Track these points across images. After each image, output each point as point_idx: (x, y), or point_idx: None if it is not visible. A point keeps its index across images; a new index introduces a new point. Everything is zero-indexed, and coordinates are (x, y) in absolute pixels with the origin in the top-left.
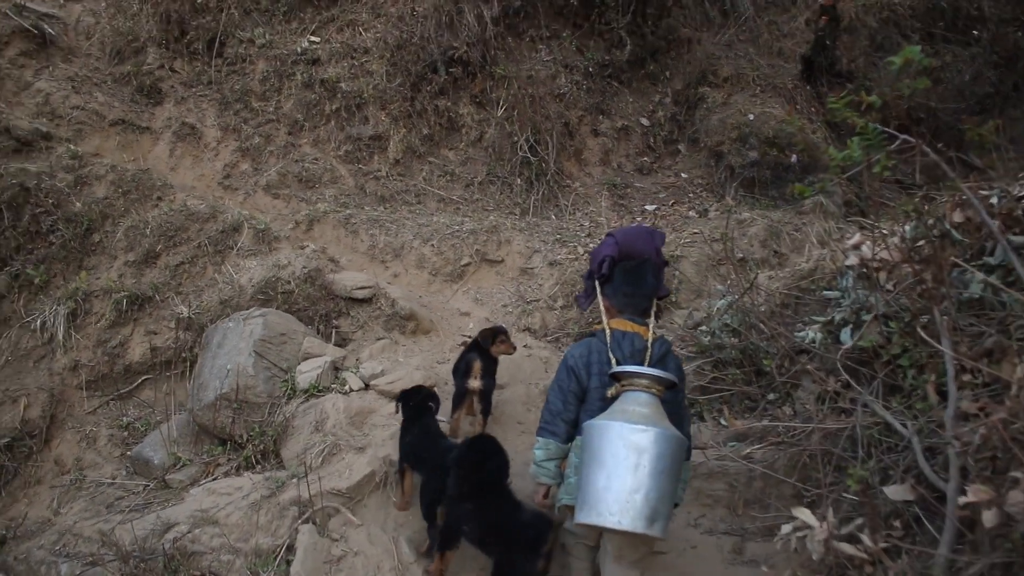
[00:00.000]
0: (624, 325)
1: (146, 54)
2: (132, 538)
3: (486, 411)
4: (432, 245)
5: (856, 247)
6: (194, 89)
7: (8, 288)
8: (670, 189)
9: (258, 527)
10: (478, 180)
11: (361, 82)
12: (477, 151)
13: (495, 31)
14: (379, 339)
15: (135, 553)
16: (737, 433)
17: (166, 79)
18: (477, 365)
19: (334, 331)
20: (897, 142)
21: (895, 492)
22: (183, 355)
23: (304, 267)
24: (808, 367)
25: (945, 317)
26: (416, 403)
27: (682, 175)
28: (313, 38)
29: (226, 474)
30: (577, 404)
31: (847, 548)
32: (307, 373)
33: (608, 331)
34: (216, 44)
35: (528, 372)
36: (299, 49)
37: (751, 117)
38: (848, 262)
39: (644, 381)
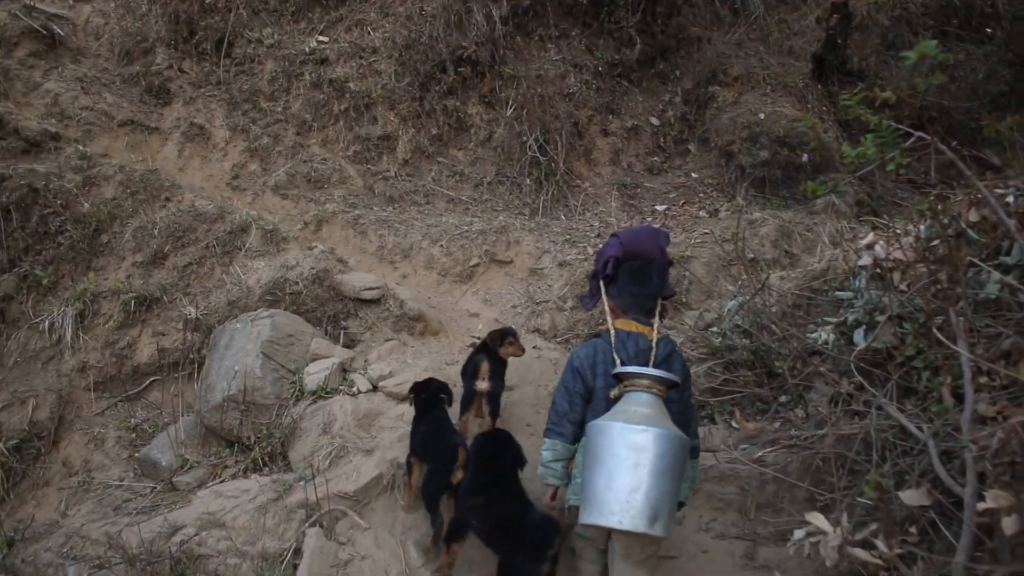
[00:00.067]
0: (629, 325)
1: (155, 54)
2: (139, 541)
3: (495, 413)
4: (441, 246)
5: (869, 247)
6: (203, 89)
7: (16, 289)
8: (680, 189)
9: (265, 530)
10: (487, 180)
11: (370, 82)
12: (486, 151)
13: (504, 30)
14: (387, 340)
15: (142, 556)
16: (749, 436)
17: (175, 79)
18: (485, 367)
19: (342, 332)
20: (912, 139)
21: (911, 497)
22: (191, 356)
23: (312, 268)
24: (821, 369)
25: (961, 318)
26: (428, 395)
27: (692, 175)
28: (321, 38)
29: (233, 476)
30: (583, 405)
31: (861, 554)
32: (315, 374)
33: (613, 331)
34: (225, 44)
35: (537, 374)
36: (307, 49)
37: (762, 116)
38: (861, 262)
39: (645, 381)
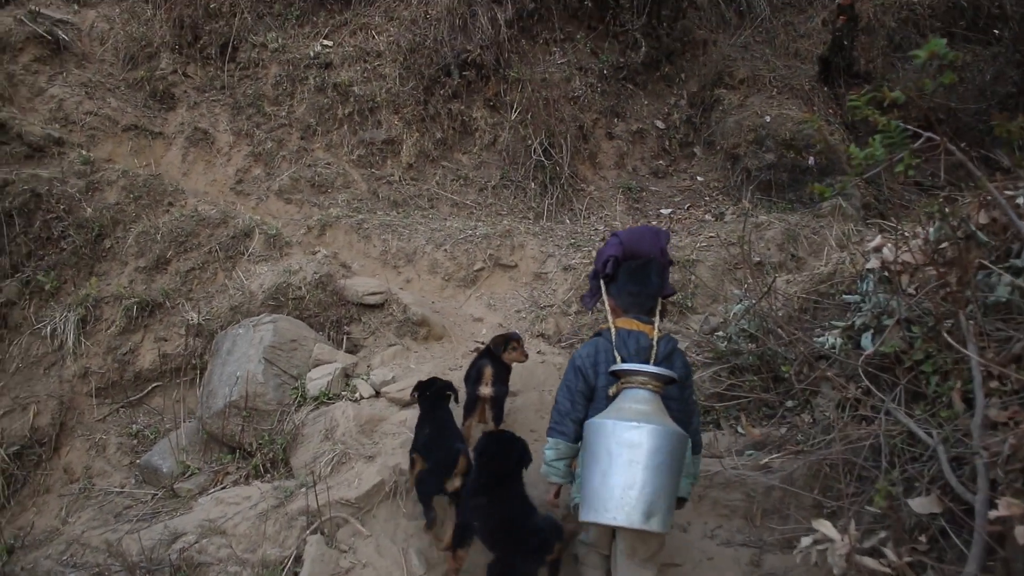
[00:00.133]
0: (629, 324)
1: (159, 59)
2: (139, 548)
3: (498, 418)
4: (445, 250)
5: (877, 249)
6: (207, 94)
7: (19, 295)
8: (686, 192)
9: (266, 537)
10: (492, 184)
11: (374, 86)
12: (491, 155)
13: (509, 34)
14: (391, 345)
15: (142, 564)
16: (755, 441)
17: (179, 84)
18: (489, 371)
19: (345, 337)
20: (921, 140)
21: (920, 505)
22: (193, 362)
23: (315, 272)
24: (828, 373)
25: (971, 321)
26: (432, 393)
27: (698, 178)
28: (326, 42)
29: (235, 483)
30: (585, 403)
31: (870, 563)
32: (317, 380)
33: (613, 330)
34: (229, 49)
35: (541, 378)
36: (312, 53)
37: (768, 119)
38: (869, 265)
39: (641, 378)
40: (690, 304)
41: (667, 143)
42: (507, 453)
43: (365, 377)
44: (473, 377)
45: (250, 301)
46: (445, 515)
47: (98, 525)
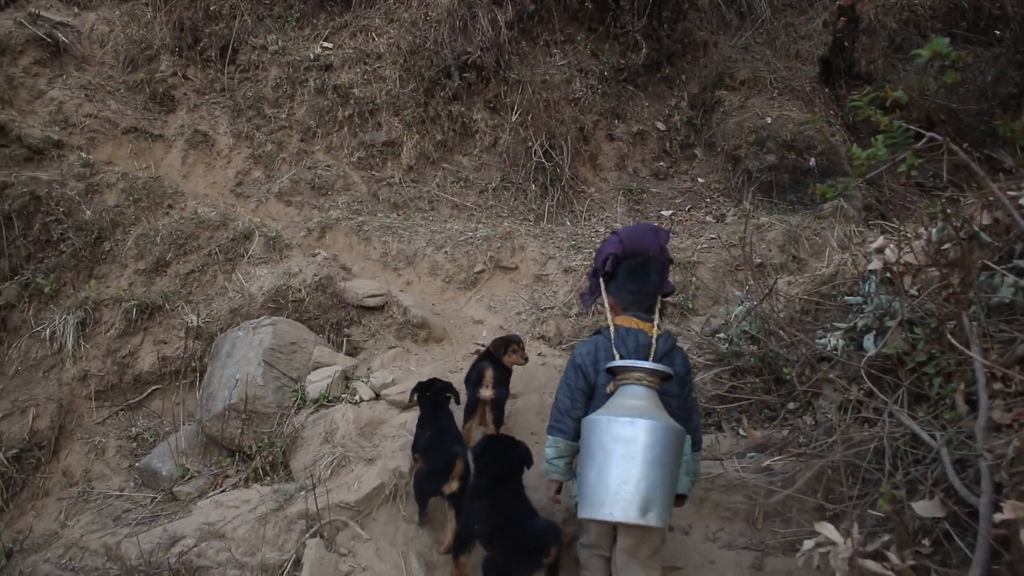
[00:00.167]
0: (629, 322)
1: (159, 62)
2: (138, 552)
3: (498, 421)
4: (445, 252)
5: (879, 250)
6: (207, 96)
7: (18, 297)
8: (687, 194)
9: (265, 541)
10: (492, 186)
11: (374, 88)
12: (491, 157)
13: (509, 36)
14: (391, 348)
15: (140, 567)
16: (756, 444)
17: (179, 86)
18: (489, 374)
19: (345, 340)
20: (924, 140)
21: (924, 508)
22: (193, 365)
23: (315, 275)
24: (830, 375)
25: (974, 322)
26: (432, 395)
27: (699, 180)
28: (326, 44)
29: (234, 486)
30: (585, 401)
31: (873, 566)
32: (317, 383)
33: (612, 328)
34: (229, 51)
35: (542, 381)
36: (312, 55)
37: (768, 120)
38: (871, 266)
39: (636, 374)
40: (691, 306)
41: (668, 145)
42: (507, 456)
43: (365, 379)
44: (474, 379)
45: (250, 303)
46: (446, 518)
47: (97, 529)
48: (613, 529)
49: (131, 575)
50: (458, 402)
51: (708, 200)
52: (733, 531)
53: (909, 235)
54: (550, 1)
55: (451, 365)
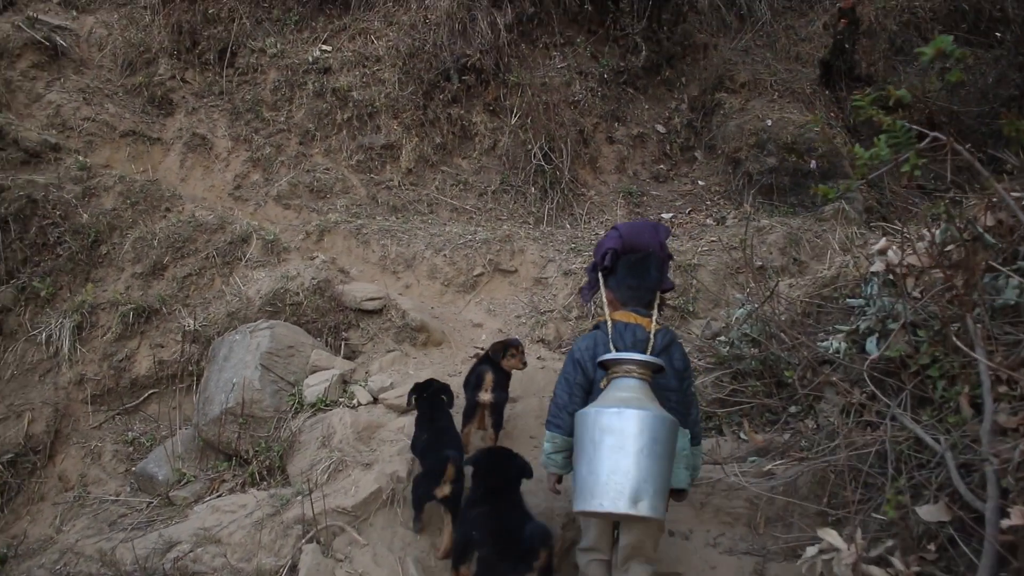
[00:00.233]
0: (627, 317)
1: (158, 65)
2: (133, 558)
3: (497, 425)
4: (444, 255)
5: (882, 252)
6: (205, 99)
7: (14, 301)
8: (687, 197)
9: (261, 546)
10: (491, 189)
11: (373, 91)
12: (490, 160)
13: (508, 38)
14: (389, 351)
15: (135, 573)
16: (757, 448)
17: (177, 90)
18: (489, 377)
19: (343, 343)
20: (927, 139)
21: (929, 512)
22: (190, 369)
23: (313, 278)
24: (832, 378)
25: (978, 325)
26: (428, 395)
27: (699, 182)
28: (325, 47)
29: (231, 491)
30: (583, 396)
31: (877, 572)
32: (314, 387)
33: (610, 323)
34: (228, 54)
35: (541, 384)
36: (311, 58)
37: (769, 123)
38: (873, 268)
39: (626, 366)
40: (692, 309)
41: (668, 147)
42: (504, 469)
43: (363, 383)
44: (473, 383)
45: (247, 307)
46: (442, 522)
47: (92, 534)
48: (612, 530)
49: None
50: (451, 404)
51: (708, 203)
52: (734, 536)
53: (912, 236)
54: (549, 3)
55: (450, 369)
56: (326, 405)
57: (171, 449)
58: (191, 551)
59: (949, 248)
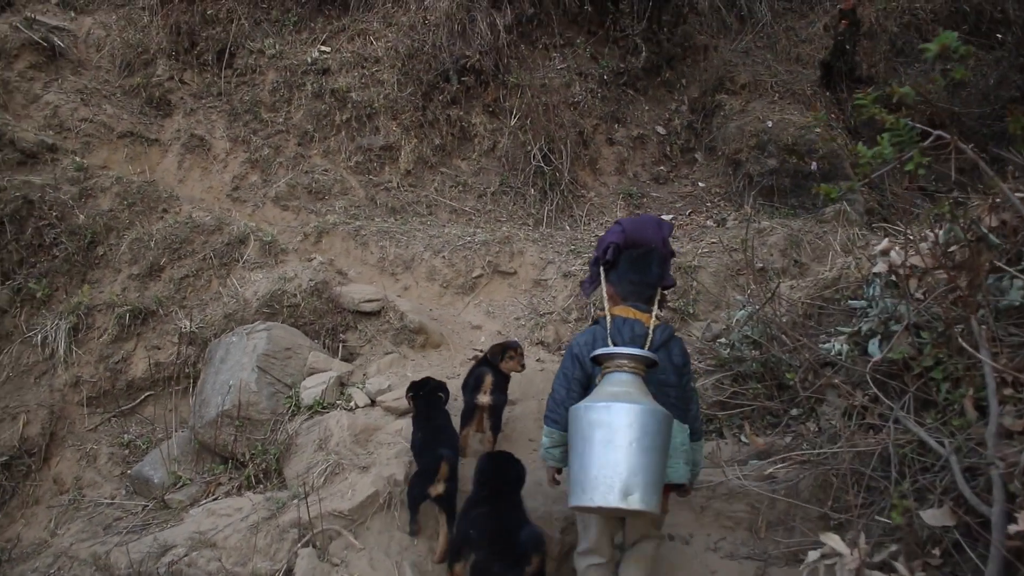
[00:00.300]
0: (627, 312)
1: (156, 66)
2: (127, 562)
3: (496, 427)
4: (443, 257)
5: (884, 253)
6: (204, 100)
7: (10, 302)
8: (687, 198)
9: (256, 550)
10: (491, 190)
11: (372, 92)
12: (490, 161)
13: (508, 39)
14: (387, 354)
15: None
16: (759, 451)
17: (176, 91)
18: (488, 379)
19: (341, 345)
20: (931, 138)
21: (933, 517)
22: (186, 371)
23: (311, 280)
24: (834, 381)
25: (983, 326)
26: (425, 393)
27: (699, 184)
28: (324, 48)
29: (227, 494)
30: (581, 391)
31: None
32: (312, 389)
33: (609, 318)
34: (226, 55)
35: (540, 387)
36: (309, 59)
37: (769, 124)
38: (876, 269)
39: (618, 361)
40: (692, 311)
41: (668, 149)
42: (504, 473)
43: (360, 386)
44: (472, 385)
45: (244, 309)
46: (438, 524)
47: (87, 537)
48: (611, 533)
49: None
50: (447, 401)
51: (709, 204)
52: (735, 541)
53: (915, 237)
54: (549, 4)
55: (448, 371)
56: (323, 407)
57: (167, 452)
58: (186, 555)
59: (953, 249)
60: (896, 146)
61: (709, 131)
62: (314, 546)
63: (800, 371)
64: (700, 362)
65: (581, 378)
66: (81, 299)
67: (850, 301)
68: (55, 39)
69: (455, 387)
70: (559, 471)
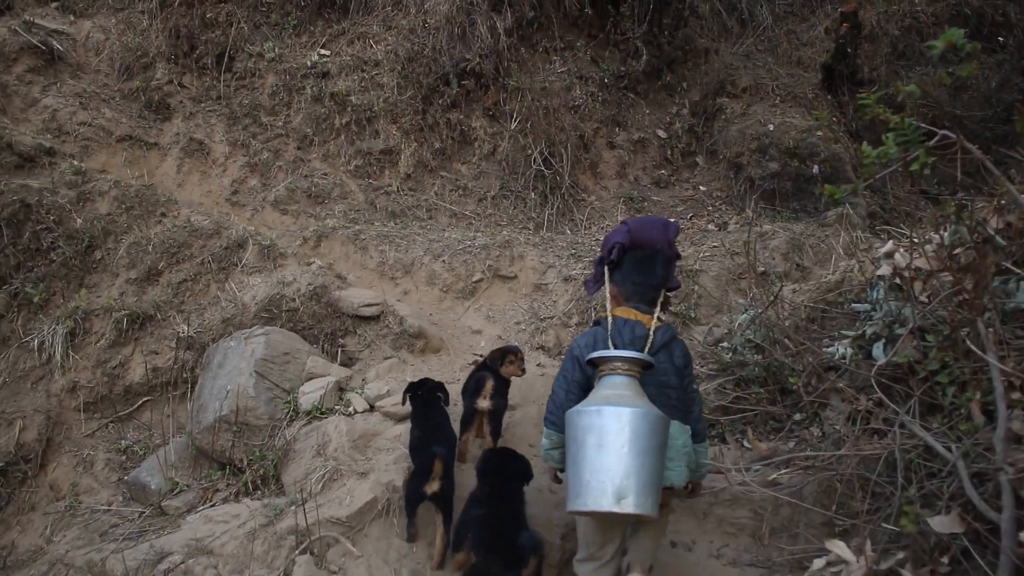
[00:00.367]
0: (628, 313)
1: (155, 69)
2: (124, 569)
3: (496, 432)
4: (443, 261)
5: (889, 255)
6: (203, 104)
7: (7, 307)
8: (688, 202)
9: (253, 557)
10: (491, 194)
11: (372, 95)
12: (490, 165)
13: (508, 42)
14: (387, 358)
15: None
16: (762, 456)
17: (175, 94)
18: (489, 384)
19: (340, 350)
20: (936, 138)
21: (941, 524)
22: (184, 376)
23: (310, 284)
24: (838, 385)
25: (989, 329)
26: (423, 394)
27: (700, 188)
28: (323, 51)
29: (224, 500)
30: (580, 393)
31: None
32: (310, 394)
33: (611, 319)
34: (225, 59)
35: (540, 392)
36: (309, 63)
37: (771, 127)
38: (880, 272)
39: (613, 363)
40: (694, 315)
41: (669, 152)
42: (507, 468)
43: (359, 391)
44: (472, 390)
45: (243, 313)
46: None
47: (83, 544)
48: (608, 538)
49: None
50: (446, 403)
51: (710, 208)
52: (738, 547)
53: (919, 239)
54: (549, 8)
55: (448, 376)
56: (322, 413)
57: (164, 458)
58: (182, 562)
59: (958, 251)
60: (901, 146)
61: (710, 135)
62: (312, 553)
63: (803, 375)
64: (702, 366)
65: (581, 380)
66: (78, 304)
67: (853, 304)
68: (54, 43)
69: (455, 392)
70: (561, 470)
